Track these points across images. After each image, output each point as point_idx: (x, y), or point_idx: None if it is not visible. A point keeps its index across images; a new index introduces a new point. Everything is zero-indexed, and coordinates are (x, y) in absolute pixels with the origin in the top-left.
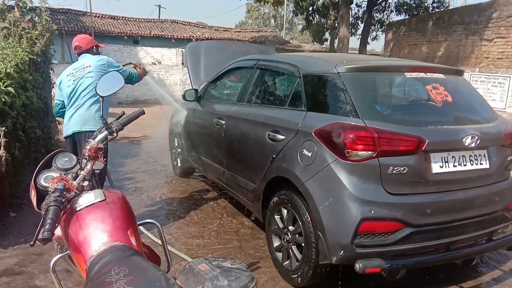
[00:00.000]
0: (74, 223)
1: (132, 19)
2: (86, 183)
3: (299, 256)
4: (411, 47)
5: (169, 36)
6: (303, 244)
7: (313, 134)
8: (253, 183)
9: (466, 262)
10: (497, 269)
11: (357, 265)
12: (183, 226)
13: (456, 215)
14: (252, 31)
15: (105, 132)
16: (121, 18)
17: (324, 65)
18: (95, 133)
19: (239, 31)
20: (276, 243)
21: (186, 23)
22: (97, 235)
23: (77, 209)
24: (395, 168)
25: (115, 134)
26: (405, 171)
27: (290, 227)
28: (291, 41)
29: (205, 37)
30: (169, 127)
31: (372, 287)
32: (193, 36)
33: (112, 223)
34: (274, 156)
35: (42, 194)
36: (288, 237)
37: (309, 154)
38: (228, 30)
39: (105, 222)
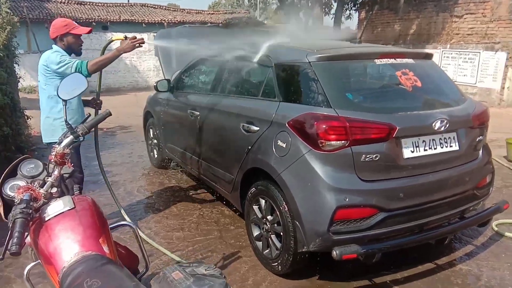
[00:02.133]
0: (43, 234)
1: (100, 4)
2: (54, 189)
3: (278, 244)
4: (384, 26)
5: (140, 21)
6: (281, 233)
7: (286, 125)
8: (230, 174)
9: (439, 241)
10: (469, 244)
11: (334, 252)
12: (163, 219)
13: (428, 197)
14: (226, 13)
15: (71, 137)
16: (88, 3)
17: (295, 54)
18: (60, 138)
19: (212, 13)
20: (255, 232)
21: (156, 6)
22: (67, 246)
23: (46, 219)
24: (368, 156)
25: (81, 138)
26: (377, 158)
27: (269, 217)
28: (265, 22)
29: (177, 20)
30: (143, 118)
31: (349, 269)
32: (164, 20)
33: (83, 232)
34: (249, 147)
35: (8, 203)
36: (267, 227)
37: (284, 145)
38: (201, 13)
39: (75, 232)
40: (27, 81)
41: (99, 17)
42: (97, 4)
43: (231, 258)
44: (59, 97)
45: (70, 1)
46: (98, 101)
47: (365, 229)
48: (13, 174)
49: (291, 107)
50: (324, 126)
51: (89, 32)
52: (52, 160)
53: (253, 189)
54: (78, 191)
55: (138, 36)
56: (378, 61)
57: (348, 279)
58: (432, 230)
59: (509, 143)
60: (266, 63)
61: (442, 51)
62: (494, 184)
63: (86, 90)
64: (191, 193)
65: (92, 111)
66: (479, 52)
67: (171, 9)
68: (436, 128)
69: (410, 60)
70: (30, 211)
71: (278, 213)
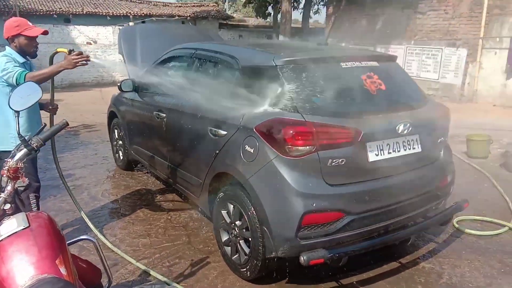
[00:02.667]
0: None
1: None
2: (7, 206)
3: (247, 250)
4: (351, 21)
5: (104, 13)
6: (250, 239)
7: (254, 130)
8: (198, 178)
9: (403, 241)
10: (432, 242)
11: (302, 258)
12: (128, 225)
13: (393, 199)
14: (194, 6)
15: (24, 150)
16: None
17: (262, 57)
18: (13, 151)
19: (180, 6)
20: (224, 237)
21: None
22: (22, 269)
23: None
24: (334, 160)
25: (35, 151)
26: (343, 163)
27: (237, 222)
28: (234, 15)
29: (143, 13)
30: (107, 118)
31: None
32: (130, 13)
33: (38, 253)
34: (217, 151)
35: None
36: (235, 232)
37: (252, 150)
38: (168, 5)
39: (30, 253)
40: None
41: (61, 10)
42: None
43: (200, 264)
44: (11, 108)
45: None
46: (53, 106)
47: (332, 233)
48: None
49: (258, 112)
50: (291, 132)
51: (44, 33)
52: (4, 175)
53: (221, 194)
54: (35, 201)
55: (103, 30)
56: (344, 65)
57: (316, 282)
58: (396, 231)
59: (469, 139)
60: (233, 66)
61: (407, 47)
62: (455, 182)
63: (47, 86)
64: (158, 197)
65: (61, 94)
66: (442, 49)
67: (137, 1)
68: (399, 131)
69: (374, 63)
70: None
71: (246, 218)
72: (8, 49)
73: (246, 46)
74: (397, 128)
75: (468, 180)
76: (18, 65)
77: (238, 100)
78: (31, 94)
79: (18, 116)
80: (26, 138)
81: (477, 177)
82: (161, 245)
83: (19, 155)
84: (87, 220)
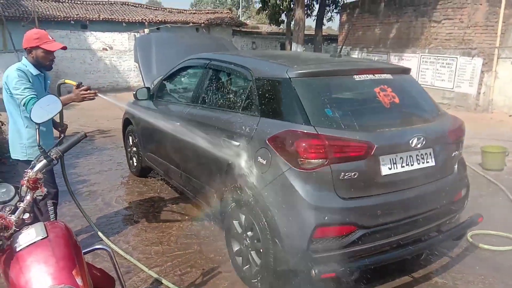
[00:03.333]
0: (14, 265)
1: (79, 2)
2: (26, 215)
3: (258, 261)
4: (364, 29)
5: (120, 20)
6: (261, 250)
7: (266, 141)
8: (210, 188)
9: (415, 255)
10: (445, 256)
11: (313, 271)
12: (141, 232)
13: (406, 213)
14: (208, 13)
15: (44, 161)
16: (66, 1)
17: (275, 69)
18: (33, 162)
19: (194, 13)
20: (235, 247)
21: (137, 5)
22: (40, 279)
23: (17, 249)
24: (346, 174)
25: (54, 162)
26: (355, 176)
27: (249, 233)
28: (248, 22)
29: (158, 20)
30: (122, 124)
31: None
32: (145, 19)
33: (56, 264)
34: (229, 162)
35: None
36: (247, 243)
37: (264, 162)
38: (183, 12)
39: (48, 264)
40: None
41: (78, 16)
42: (75, 2)
43: (211, 274)
44: (32, 120)
45: None
46: (63, 127)
47: (344, 246)
48: None
49: (271, 123)
50: (304, 144)
51: (63, 48)
52: (24, 185)
53: (233, 204)
54: (52, 208)
55: (119, 36)
56: (357, 77)
57: None
58: (409, 246)
59: (484, 151)
60: (246, 77)
61: (421, 55)
62: (469, 195)
63: (64, 91)
64: (171, 204)
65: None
66: (457, 57)
67: (152, 8)
68: (413, 145)
69: (388, 76)
70: (0, 242)
71: (257, 229)
72: (24, 60)
73: (260, 58)
74: (410, 141)
75: (483, 193)
76: (29, 84)
77: (251, 111)
78: (51, 106)
79: (38, 128)
80: (46, 149)
81: (492, 190)
82: (173, 253)
83: (38, 166)
84: (101, 235)
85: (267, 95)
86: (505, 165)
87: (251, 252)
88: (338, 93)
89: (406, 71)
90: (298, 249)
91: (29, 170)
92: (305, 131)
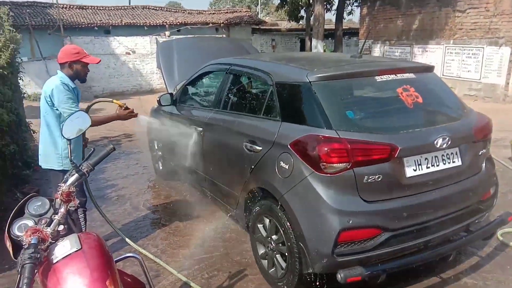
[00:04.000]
0: (51, 277)
1: (101, 8)
2: (61, 227)
3: (283, 264)
4: (386, 21)
5: (141, 24)
6: (286, 253)
7: (288, 146)
8: (234, 192)
9: (444, 256)
10: (474, 255)
11: (339, 275)
12: (169, 236)
13: (432, 214)
14: (227, 12)
15: (76, 175)
16: (90, 7)
17: (295, 73)
18: (65, 176)
19: (213, 13)
20: (261, 250)
21: (158, 8)
22: None
23: (54, 261)
24: (370, 177)
25: (86, 175)
26: (379, 179)
27: (273, 236)
28: (266, 19)
29: (178, 22)
30: (147, 130)
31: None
32: (166, 22)
33: (90, 275)
34: (253, 166)
35: (17, 243)
36: (272, 246)
37: (286, 167)
38: (202, 13)
39: (83, 275)
40: (31, 88)
41: (101, 22)
42: (98, 8)
43: (237, 276)
44: (64, 137)
45: (72, 6)
46: (85, 141)
47: (369, 249)
48: (20, 213)
49: (293, 127)
50: (326, 149)
51: (98, 62)
52: (58, 199)
53: (257, 208)
54: (83, 215)
55: (141, 40)
56: (378, 78)
57: None
58: (437, 247)
59: None
60: (267, 81)
61: (446, 46)
62: (498, 191)
63: (90, 96)
64: (196, 207)
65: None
66: (483, 47)
67: (173, 10)
68: (438, 145)
69: (411, 75)
70: (38, 255)
71: (282, 233)
72: (60, 73)
73: (280, 62)
74: (435, 142)
75: None
76: (74, 97)
77: (272, 116)
78: (81, 123)
79: (70, 144)
80: (77, 164)
81: None
82: (200, 256)
83: (71, 180)
84: (125, 237)
85: (287, 100)
86: None
87: (276, 255)
88: (359, 95)
89: (429, 69)
90: (323, 253)
91: (62, 184)
92: (327, 136)
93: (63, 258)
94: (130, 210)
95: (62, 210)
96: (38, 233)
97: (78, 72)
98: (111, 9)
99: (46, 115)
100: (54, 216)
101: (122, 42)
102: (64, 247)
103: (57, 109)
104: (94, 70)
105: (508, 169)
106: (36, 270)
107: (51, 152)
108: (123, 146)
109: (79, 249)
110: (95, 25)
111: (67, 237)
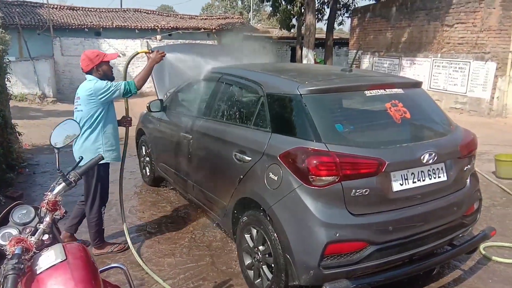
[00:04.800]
0: None
1: (92, 10)
2: (46, 236)
3: (269, 275)
4: (376, 33)
5: (133, 27)
6: (273, 265)
7: (278, 158)
8: (222, 201)
9: (428, 271)
10: (457, 269)
11: None
12: (154, 243)
13: (418, 228)
14: (219, 18)
15: (63, 184)
16: (80, 8)
17: (286, 85)
18: (52, 185)
19: (205, 19)
20: (247, 261)
21: (149, 12)
22: None
23: (38, 272)
24: (358, 191)
25: (73, 185)
26: (367, 193)
27: (260, 247)
28: (258, 26)
29: (170, 26)
30: (135, 134)
31: None
32: (157, 26)
33: (75, 287)
34: (241, 176)
35: (0, 252)
36: (258, 257)
37: (275, 178)
38: (194, 18)
39: (67, 287)
40: (18, 88)
41: (92, 23)
42: (89, 9)
43: (223, 287)
44: (52, 145)
45: (62, 7)
46: (128, 119)
47: (355, 263)
48: (4, 221)
49: (283, 139)
50: (314, 162)
51: (117, 57)
52: (44, 207)
53: (245, 218)
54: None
55: (132, 42)
56: (368, 93)
57: None
58: (421, 261)
59: (497, 160)
60: (258, 92)
61: (433, 59)
62: (482, 205)
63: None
64: (183, 214)
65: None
66: (469, 62)
67: (164, 14)
68: (424, 161)
69: (399, 90)
70: (22, 266)
71: (269, 244)
72: (90, 77)
73: (271, 73)
74: (422, 157)
75: (496, 202)
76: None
77: (262, 127)
78: (71, 131)
79: (58, 153)
80: (64, 173)
81: (506, 199)
82: (186, 265)
83: (58, 189)
84: (137, 257)
85: (278, 111)
86: None
87: (262, 266)
88: (349, 109)
89: (417, 84)
90: (309, 265)
91: (49, 193)
92: (316, 149)
93: (47, 269)
94: (115, 217)
95: (47, 219)
96: (22, 242)
97: (106, 72)
98: (102, 11)
99: (84, 110)
100: (39, 225)
101: (112, 45)
102: (48, 258)
103: (97, 105)
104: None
105: (492, 183)
106: (19, 280)
107: (91, 147)
108: None
109: (63, 260)
110: (85, 26)
111: (51, 247)
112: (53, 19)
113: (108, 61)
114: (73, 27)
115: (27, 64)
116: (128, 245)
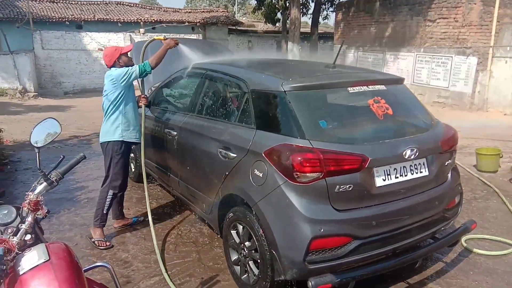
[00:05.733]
0: None
1: (73, 2)
2: (28, 236)
3: (256, 271)
4: (360, 28)
5: (115, 20)
6: (259, 260)
7: (263, 154)
8: (208, 197)
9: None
10: (440, 261)
11: (310, 283)
12: (140, 240)
13: (400, 222)
14: (203, 12)
15: (44, 184)
16: (61, 1)
17: (270, 81)
18: (33, 185)
19: (189, 12)
20: (233, 256)
21: (132, 5)
22: None
23: (21, 272)
24: (342, 186)
25: (54, 184)
26: (350, 188)
27: (246, 243)
28: (243, 20)
29: (153, 19)
30: None
31: None
32: (140, 19)
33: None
34: (227, 173)
35: None
36: (244, 252)
37: (260, 175)
38: (178, 11)
39: (51, 287)
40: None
41: (73, 16)
42: (70, 2)
43: (210, 282)
44: (32, 144)
45: (42, 0)
46: (143, 96)
47: (340, 257)
48: None
49: (267, 136)
50: (299, 158)
51: (131, 49)
52: (25, 207)
53: (231, 214)
54: (111, 197)
55: (114, 36)
56: (351, 89)
57: None
58: (404, 255)
59: (478, 153)
60: (242, 89)
61: (416, 54)
62: (463, 198)
63: (60, 92)
64: (169, 211)
65: (74, 100)
66: (452, 57)
67: (148, 7)
68: (406, 156)
69: (382, 87)
70: (4, 267)
71: (255, 240)
72: (113, 68)
73: (256, 69)
74: (404, 153)
75: (477, 195)
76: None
77: (247, 123)
78: (51, 130)
79: (38, 152)
80: (46, 172)
81: (487, 192)
82: (172, 261)
83: (39, 188)
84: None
85: (262, 108)
86: (499, 166)
87: (249, 262)
88: (332, 105)
89: (400, 81)
90: (295, 261)
91: (30, 193)
92: (300, 145)
93: (30, 269)
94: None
95: (29, 219)
96: (4, 243)
97: (126, 62)
98: (83, 3)
99: (109, 95)
100: (21, 225)
101: (94, 38)
102: (31, 258)
103: (119, 89)
104: (64, 66)
105: (473, 176)
106: (1, 281)
107: (112, 127)
108: (93, 146)
109: (47, 260)
110: (66, 19)
111: (34, 247)
112: (33, 12)
113: (126, 53)
114: (54, 20)
115: (6, 58)
116: (112, 245)
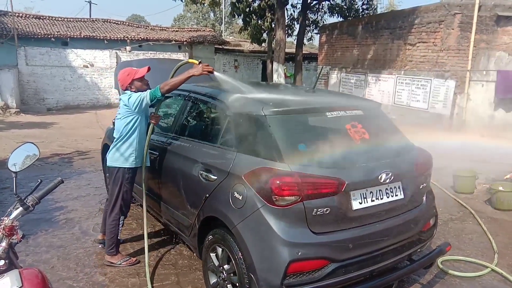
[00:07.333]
0: None
1: (59, 19)
2: (1, 262)
3: None
4: (343, 50)
5: (101, 37)
6: (237, 284)
7: (243, 177)
8: (188, 219)
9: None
10: (416, 282)
11: None
12: None
13: (377, 245)
14: (190, 30)
15: (20, 209)
16: (47, 18)
17: (251, 105)
18: (9, 210)
19: (177, 31)
20: (212, 280)
21: (119, 22)
22: None
23: None
24: (319, 210)
25: (31, 209)
26: (328, 212)
27: (225, 266)
28: (230, 38)
29: (140, 37)
30: (101, 150)
31: None
32: (127, 37)
33: None
34: (207, 195)
35: None
36: (223, 275)
37: (240, 197)
38: (165, 30)
39: None
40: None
41: (59, 33)
42: (56, 19)
43: None
44: (9, 169)
45: (28, 16)
46: (157, 115)
47: (317, 280)
48: None
49: (247, 159)
50: (278, 182)
51: (148, 71)
52: (0, 233)
53: (210, 237)
54: (122, 223)
55: (100, 53)
56: (329, 114)
57: None
58: (381, 277)
59: (456, 175)
60: (224, 111)
61: (397, 76)
62: (440, 219)
63: (43, 108)
64: (149, 231)
65: (57, 116)
66: (431, 79)
67: (135, 25)
68: (382, 180)
69: (359, 112)
70: None
71: (234, 263)
72: (128, 92)
73: (237, 92)
74: (379, 177)
75: (454, 216)
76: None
77: (228, 146)
78: (29, 154)
79: (16, 177)
80: (22, 197)
81: (463, 213)
82: (151, 284)
83: (15, 213)
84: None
85: (243, 131)
86: (476, 188)
87: (228, 285)
88: (311, 130)
89: (376, 105)
90: (272, 284)
91: (5, 218)
92: (279, 169)
93: None
94: (78, 235)
95: (4, 244)
96: None
97: (138, 88)
98: (70, 20)
99: (121, 119)
100: None
101: (80, 55)
102: (3, 285)
103: (132, 114)
104: (48, 82)
105: (450, 197)
106: None
107: (125, 153)
108: (75, 164)
109: (20, 287)
110: (52, 36)
111: (7, 274)
112: (18, 28)
113: (140, 78)
114: (39, 36)
115: None
116: (139, 261)
